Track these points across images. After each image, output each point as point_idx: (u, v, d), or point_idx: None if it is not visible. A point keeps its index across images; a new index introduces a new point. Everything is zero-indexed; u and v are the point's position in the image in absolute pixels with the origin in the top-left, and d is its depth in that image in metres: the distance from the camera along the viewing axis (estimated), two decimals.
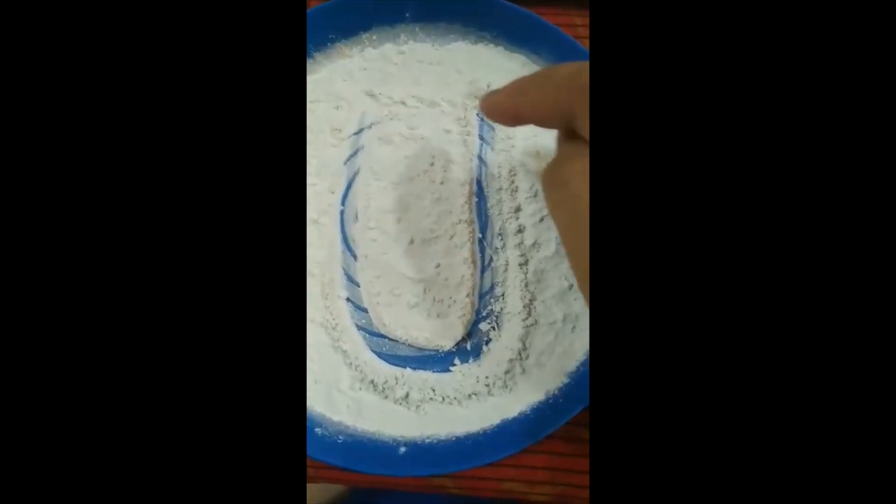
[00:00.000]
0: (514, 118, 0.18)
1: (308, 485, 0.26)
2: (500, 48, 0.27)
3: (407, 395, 0.24)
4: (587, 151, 0.15)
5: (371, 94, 0.27)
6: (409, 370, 0.25)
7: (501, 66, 0.27)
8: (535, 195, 0.26)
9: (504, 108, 0.18)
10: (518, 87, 0.18)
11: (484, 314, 0.25)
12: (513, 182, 0.26)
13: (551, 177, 0.17)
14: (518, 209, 0.26)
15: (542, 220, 0.26)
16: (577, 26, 0.30)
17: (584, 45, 0.26)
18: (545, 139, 0.27)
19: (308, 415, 0.24)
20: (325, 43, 0.27)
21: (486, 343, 0.25)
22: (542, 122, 0.17)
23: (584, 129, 0.15)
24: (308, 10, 0.26)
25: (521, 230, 0.26)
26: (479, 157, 0.27)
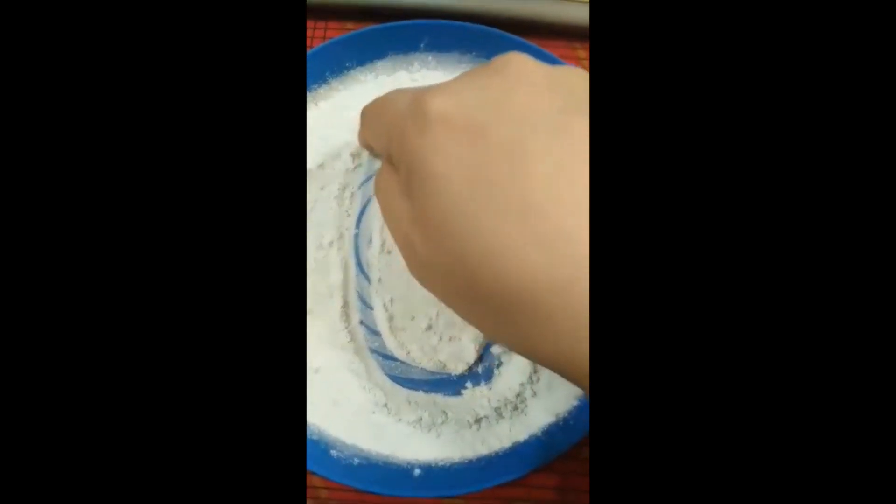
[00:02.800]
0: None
1: None
2: None
3: (420, 419, 0.25)
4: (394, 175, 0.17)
5: None
6: (422, 393, 0.25)
7: None
8: None
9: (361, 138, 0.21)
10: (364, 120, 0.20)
11: None
12: None
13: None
14: None
15: None
16: (581, 59, 0.31)
17: None
18: None
19: (324, 438, 0.24)
20: (341, 70, 0.28)
21: (498, 367, 0.25)
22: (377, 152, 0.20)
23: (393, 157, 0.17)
24: (326, 42, 0.27)
25: None
26: None
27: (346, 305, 0.26)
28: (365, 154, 0.27)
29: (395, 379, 0.25)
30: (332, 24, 0.30)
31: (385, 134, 0.17)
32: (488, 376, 0.25)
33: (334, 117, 0.28)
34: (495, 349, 0.26)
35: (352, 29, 0.28)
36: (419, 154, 0.15)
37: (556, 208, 0.13)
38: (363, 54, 0.28)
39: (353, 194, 0.27)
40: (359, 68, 0.28)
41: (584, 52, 0.31)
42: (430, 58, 0.28)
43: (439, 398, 0.25)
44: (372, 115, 0.19)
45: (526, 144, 0.14)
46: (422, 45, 0.28)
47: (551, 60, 0.28)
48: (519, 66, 0.16)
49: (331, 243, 0.26)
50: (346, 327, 0.25)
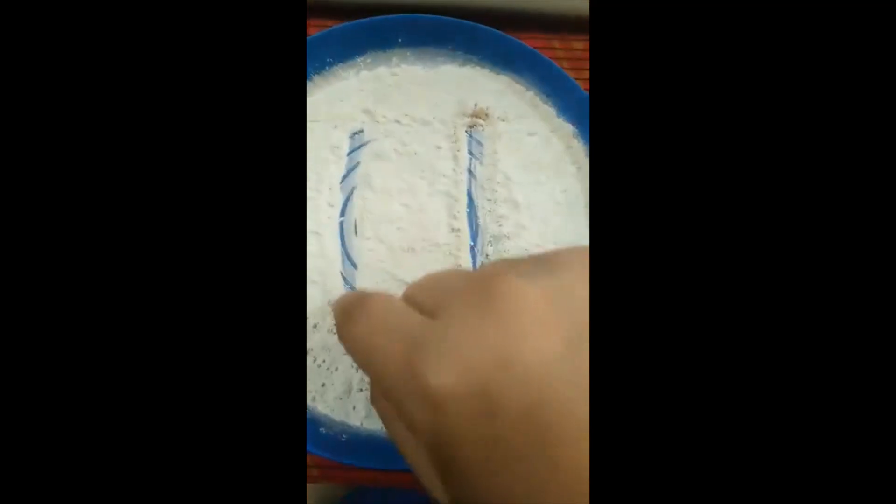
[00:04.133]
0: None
1: (313, 485, 0.27)
2: (486, 70, 0.30)
3: None
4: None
5: (368, 112, 0.29)
6: None
7: (488, 86, 0.29)
8: (517, 206, 0.28)
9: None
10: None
11: None
12: (496, 191, 0.28)
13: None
14: (503, 217, 0.28)
15: (524, 227, 0.28)
16: (555, 49, 0.32)
17: (561, 65, 0.29)
18: (528, 154, 0.29)
19: (313, 415, 0.25)
20: (323, 67, 0.29)
21: None
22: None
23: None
24: (308, 38, 0.28)
25: (507, 237, 0.28)
26: (469, 171, 0.29)
27: (331, 291, 0.27)
28: (345, 147, 0.29)
29: None
30: (313, 21, 0.31)
31: (389, 389, 0.15)
32: None
33: (316, 112, 0.29)
34: None
35: (332, 26, 0.29)
36: (436, 440, 0.14)
37: (582, 472, 0.12)
38: (343, 51, 0.29)
39: (335, 185, 0.28)
40: (340, 64, 0.29)
41: (558, 43, 0.32)
42: (408, 52, 0.30)
43: None
44: (364, 356, 0.16)
45: (543, 413, 0.13)
46: (399, 40, 0.29)
47: (528, 53, 0.29)
48: (516, 298, 0.14)
49: (315, 232, 0.27)
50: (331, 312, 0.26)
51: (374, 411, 0.26)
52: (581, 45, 0.32)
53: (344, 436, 0.25)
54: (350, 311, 0.16)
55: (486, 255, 0.27)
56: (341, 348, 0.26)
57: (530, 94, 0.29)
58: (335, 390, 0.26)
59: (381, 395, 0.16)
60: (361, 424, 0.25)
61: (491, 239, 0.28)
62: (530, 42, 0.29)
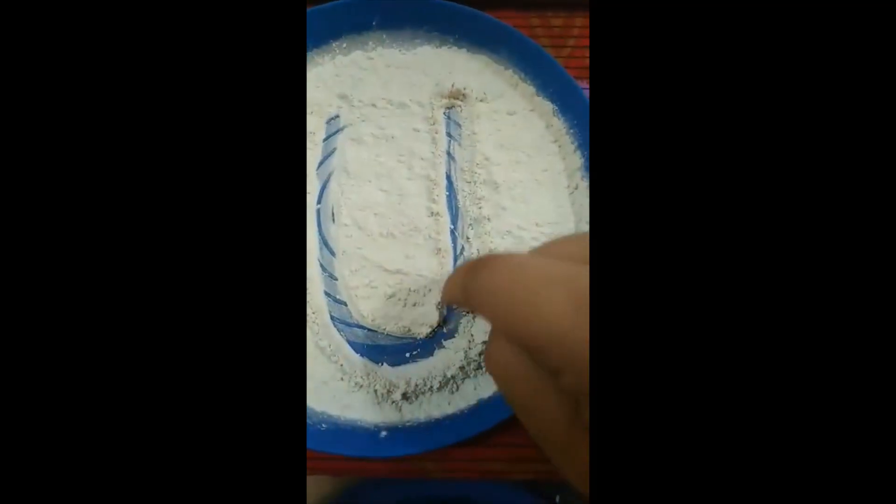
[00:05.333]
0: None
1: None
2: (464, 50, 0.29)
3: (388, 389, 0.25)
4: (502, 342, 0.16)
5: (343, 97, 0.28)
6: (386, 366, 0.26)
7: (466, 67, 0.29)
8: (497, 187, 0.27)
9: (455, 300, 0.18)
10: (464, 282, 0.17)
11: None
12: (479, 174, 0.27)
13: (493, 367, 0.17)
14: (482, 198, 0.27)
15: (504, 209, 0.27)
16: (534, 27, 0.31)
17: (540, 43, 0.28)
18: (508, 133, 0.28)
19: None
20: None
21: (461, 328, 0.26)
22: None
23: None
24: None
25: (488, 219, 0.27)
26: (448, 153, 0.28)
27: (309, 279, 0.26)
28: (320, 133, 0.28)
29: (360, 347, 0.26)
30: None
31: (548, 335, 0.14)
32: (452, 337, 0.26)
33: None
34: (458, 311, 0.26)
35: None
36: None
37: None
38: (318, 35, 0.28)
39: (311, 172, 0.28)
40: (315, 49, 0.29)
41: (537, 20, 0.31)
42: (384, 35, 0.29)
43: (404, 368, 0.26)
44: (509, 305, 0.15)
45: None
46: (374, 23, 0.29)
47: (506, 31, 0.28)
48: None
49: None
50: (308, 301, 0.26)
51: (352, 401, 0.25)
52: (560, 21, 0.31)
53: (323, 425, 0.24)
54: (479, 267, 0.16)
55: (467, 238, 0.27)
56: (319, 337, 0.26)
57: (509, 72, 0.28)
58: (314, 380, 0.25)
59: (520, 345, 0.15)
60: (341, 415, 0.25)
61: (471, 222, 0.27)
62: (507, 20, 0.29)
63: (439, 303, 0.16)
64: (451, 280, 0.17)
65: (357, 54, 0.29)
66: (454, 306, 0.17)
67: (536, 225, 0.27)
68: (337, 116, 0.28)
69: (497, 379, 0.17)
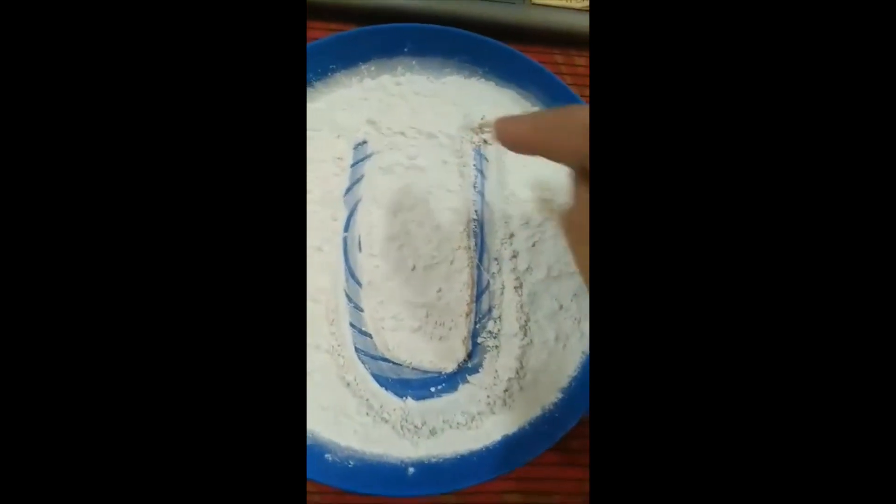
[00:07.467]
0: (530, 149, 0.19)
1: None
2: (492, 83, 0.29)
3: (412, 424, 0.25)
4: None
5: (372, 122, 0.28)
6: (411, 401, 0.26)
7: (493, 99, 0.29)
8: (527, 222, 0.28)
9: (523, 138, 0.19)
10: (540, 122, 0.19)
11: (483, 336, 0.27)
12: (506, 211, 0.28)
13: (570, 219, 0.18)
14: (512, 235, 0.28)
15: (534, 244, 0.28)
16: (558, 64, 0.32)
17: (564, 80, 0.29)
18: (536, 169, 0.28)
19: (317, 441, 0.24)
20: (325, 73, 0.28)
21: (486, 363, 0.26)
22: (558, 159, 0.19)
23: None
24: (310, 43, 0.27)
25: (515, 255, 0.27)
26: (475, 187, 0.28)
27: (335, 309, 0.26)
28: (348, 159, 0.27)
29: (384, 380, 0.26)
30: (315, 24, 0.30)
31: (584, 143, 0.16)
32: (478, 373, 0.26)
33: (318, 121, 0.27)
34: (483, 347, 0.26)
35: (336, 30, 0.28)
36: None
37: None
38: (347, 58, 0.28)
39: (339, 198, 0.27)
40: (343, 71, 0.28)
41: (561, 58, 0.32)
42: (413, 62, 0.29)
43: (429, 402, 0.26)
44: (554, 122, 0.19)
45: None
46: (406, 49, 0.28)
47: (533, 68, 0.28)
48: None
49: (317, 248, 0.26)
50: (334, 332, 0.26)
51: (378, 435, 0.25)
52: (583, 61, 0.32)
53: (351, 462, 0.24)
54: (509, 119, 0.19)
55: (492, 274, 0.27)
56: (344, 370, 0.25)
57: (536, 108, 0.29)
58: (338, 413, 0.25)
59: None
60: (366, 450, 0.25)
61: (497, 256, 0.27)
62: (534, 56, 0.29)
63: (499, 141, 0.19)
64: (511, 122, 0.19)
65: (385, 78, 0.29)
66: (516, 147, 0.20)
67: (565, 263, 0.27)
68: (365, 142, 0.28)
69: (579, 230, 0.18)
